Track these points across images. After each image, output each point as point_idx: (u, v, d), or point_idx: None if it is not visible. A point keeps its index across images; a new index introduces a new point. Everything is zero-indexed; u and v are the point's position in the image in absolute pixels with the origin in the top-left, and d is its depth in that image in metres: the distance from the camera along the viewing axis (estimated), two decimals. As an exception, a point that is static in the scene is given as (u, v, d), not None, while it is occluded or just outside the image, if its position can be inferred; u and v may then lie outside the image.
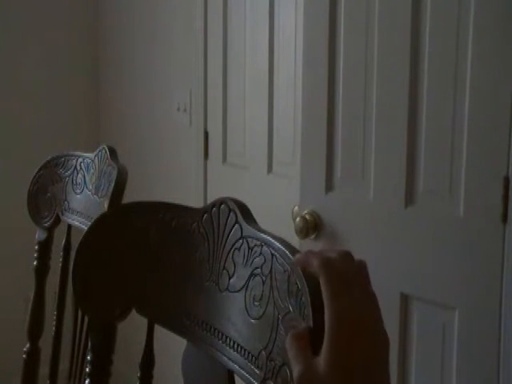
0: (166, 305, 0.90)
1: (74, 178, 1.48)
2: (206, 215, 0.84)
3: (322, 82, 1.79)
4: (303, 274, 0.67)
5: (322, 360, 0.60)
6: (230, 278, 0.79)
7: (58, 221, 1.51)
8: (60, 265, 1.52)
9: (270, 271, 0.73)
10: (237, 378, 0.80)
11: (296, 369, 0.62)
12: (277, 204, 2.18)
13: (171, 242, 0.89)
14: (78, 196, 1.47)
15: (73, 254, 1.00)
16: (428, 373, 1.66)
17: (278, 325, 0.70)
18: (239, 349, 0.76)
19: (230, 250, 0.80)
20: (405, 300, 1.68)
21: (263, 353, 0.72)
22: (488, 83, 1.49)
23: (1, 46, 2.90)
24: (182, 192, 2.63)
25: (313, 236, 1.82)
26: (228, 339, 0.79)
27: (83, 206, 1.44)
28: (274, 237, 0.75)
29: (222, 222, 0.82)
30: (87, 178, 1.45)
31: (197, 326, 0.84)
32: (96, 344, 0.99)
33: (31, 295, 1.54)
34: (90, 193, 1.43)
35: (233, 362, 0.78)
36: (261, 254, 0.75)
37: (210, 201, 0.85)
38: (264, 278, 0.74)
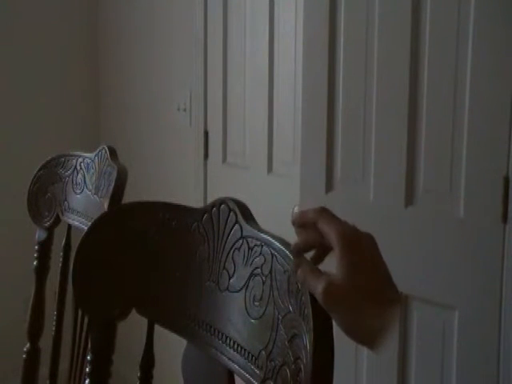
0: (166, 305, 0.90)
1: (74, 178, 1.48)
2: (206, 215, 0.84)
3: (322, 81, 1.79)
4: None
5: (337, 274, 0.66)
6: (230, 278, 0.79)
7: (57, 221, 1.51)
8: (60, 265, 1.52)
9: (270, 271, 0.73)
10: (237, 378, 0.80)
11: (319, 287, 0.66)
12: (277, 204, 2.17)
13: (171, 241, 0.89)
14: (77, 196, 1.47)
15: (73, 254, 1.00)
16: (428, 373, 1.66)
17: (277, 325, 0.70)
18: (239, 349, 0.76)
19: (230, 250, 0.80)
20: (405, 300, 1.68)
21: (263, 353, 0.72)
22: (488, 83, 1.49)
23: (1, 45, 2.90)
24: (182, 192, 2.63)
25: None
26: (228, 339, 0.79)
27: (83, 206, 1.44)
28: (273, 237, 0.75)
29: (222, 221, 0.82)
30: (87, 178, 1.45)
31: (197, 325, 0.84)
32: (96, 344, 0.99)
33: (31, 295, 1.54)
34: (90, 193, 1.43)
35: (233, 362, 0.78)
36: (261, 254, 0.75)
37: (210, 201, 0.85)
38: (264, 278, 0.74)
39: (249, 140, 2.38)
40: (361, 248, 0.68)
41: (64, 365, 1.52)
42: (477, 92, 1.50)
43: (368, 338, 0.68)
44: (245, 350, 0.75)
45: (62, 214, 1.49)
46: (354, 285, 0.66)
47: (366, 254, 0.68)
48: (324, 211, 0.70)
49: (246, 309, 0.76)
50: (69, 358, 1.50)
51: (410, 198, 1.65)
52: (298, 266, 0.70)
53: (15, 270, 2.78)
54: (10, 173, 2.87)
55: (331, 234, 0.68)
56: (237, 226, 0.80)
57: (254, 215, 0.81)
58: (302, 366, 0.66)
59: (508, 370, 1.49)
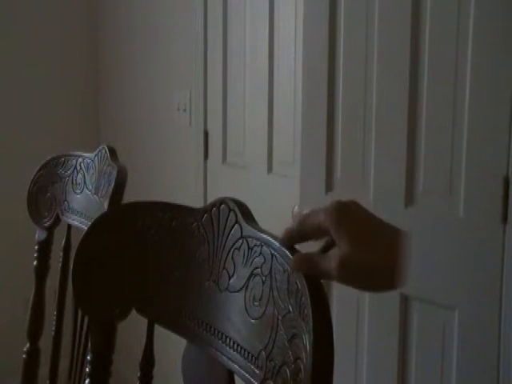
0: (166, 305, 0.90)
1: (74, 178, 1.48)
2: (206, 215, 0.84)
3: (322, 81, 1.79)
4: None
5: (341, 246, 0.68)
6: (229, 278, 0.79)
7: (58, 221, 1.51)
8: (60, 265, 1.52)
9: (270, 271, 0.73)
10: (237, 378, 0.80)
11: (332, 264, 0.68)
12: (277, 204, 2.17)
13: (171, 241, 0.89)
14: (77, 196, 1.47)
15: (73, 253, 1.00)
16: (428, 373, 1.66)
17: (277, 325, 0.70)
18: (239, 349, 0.77)
19: (229, 250, 0.80)
20: (405, 300, 1.68)
21: (263, 353, 0.72)
22: (488, 83, 1.49)
23: (1, 45, 2.90)
24: (182, 192, 2.63)
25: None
26: (228, 339, 0.79)
27: (83, 206, 1.44)
28: (273, 237, 0.75)
29: (222, 221, 0.82)
30: (87, 178, 1.45)
31: (197, 325, 0.84)
32: (96, 344, 0.99)
33: (31, 295, 1.54)
34: (89, 193, 1.43)
35: (233, 362, 0.78)
36: (261, 253, 0.75)
37: (210, 201, 0.85)
38: (264, 278, 0.74)
39: (249, 140, 2.38)
40: (351, 215, 0.70)
41: (64, 365, 1.52)
42: (477, 92, 1.50)
43: (392, 280, 0.72)
44: (245, 349, 0.75)
45: (62, 214, 1.49)
46: (360, 248, 0.68)
47: (359, 218, 0.71)
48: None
49: (246, 309, 0.76)
50: (69, 358, 1.50)
51: (410, 198, 1.65)
52: (299, 259, 0.70)
53: (15, 270, 2.78)
54: (10, 173, 2.88)
55: (320, 217, 0.70)
56: (237, 226, 0.80)
57: (254, 215, 0.81)
58: (301, 366, 0.66)
59: (508, 370, 1.49)
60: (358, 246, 0.69)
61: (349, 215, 0.70)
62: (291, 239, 0.73)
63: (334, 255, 0.69)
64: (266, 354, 0.71)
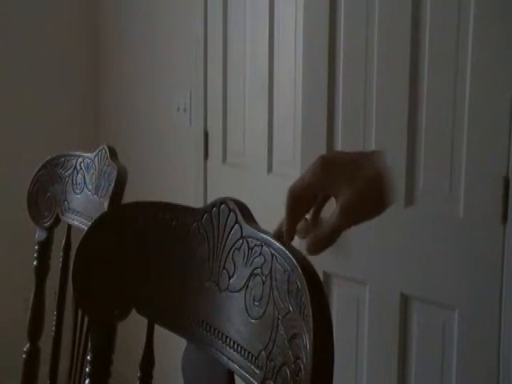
0: (166, 305, 0.90)
1: (74, 178, 1.48)
2: (206, 215, 0.84)
3: (322, 81, 1.79)
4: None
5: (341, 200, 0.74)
6: (230, 278, 0.79)
7: (57, 221, 1.51)
8: (60, 265, 1.52)
9: (270, 271, 0.73)
10: (237, 378, 0.80)
11: (334, 221, 0.73)
12: (277, 204, 2.17)
13: (171, 242, 0.89)
14: (77, 196, 1.47)
15: (73, 254, 1.00)
16: (428, 373, 1.66)
17: (277, 325, 0.70)
18: (239, 349, 0.77)
19: (229, 250, 0.80)
20: (405, 300, 1.68)
21: (263, 353, 0.72)
22: (488, 83, 1.49)
23: (1, 45, 2.90)
24: (182, 192, 2.63)
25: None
26: (228, 339, 0.79)
27: (83, 206, 1.44)
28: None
29: (222, 222, 0.82)
30: (87, 178, 1.45)
31: (197, 326, 0.84)
32: (96, 344, 0.99)
33: (31, 295, 1.54)
34: (89, 193, 1.43)
35: (233, 362, 0.78)
36: (261, 254, 0.75)
37: (210, 201, 0.85)
38: (264, 278, 0.74)
39: (249, 140, 2.38)
40: (334, 166, 0.75)
41: (64, 365, 1.52)
42: (477, 92, 1.50)
43: (384, 204, 0.76)
44: (245, 349, 0.75)
45: (62, 214, 1.49)
46: (353, 196, 0.73)
47: (340, 164, 0.75)
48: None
49: (246, 309, 0.76)
50: (69, 358, 1.50)
51: (409, 198, 1.65)
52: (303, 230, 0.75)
53: (15, 270, 2.78)
54: (10, 173, 2.88)
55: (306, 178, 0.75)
56: (237, 226, 0.80)
57: (254, 215, 0.81)
58: (301, 366, 0.66)
59: (508, 370, 1.49)
60: (352, 191, 0.73)
61: (332, 166, 0.75)
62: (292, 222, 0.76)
63: (335, 210, 0.73)
64: (266, 353, 0.71)
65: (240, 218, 0.80)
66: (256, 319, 0.74)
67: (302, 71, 1.88)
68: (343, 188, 0.73)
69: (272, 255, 0.74)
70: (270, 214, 1.86)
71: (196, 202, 2.49)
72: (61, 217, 1.49)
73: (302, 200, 0.76)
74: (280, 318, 0.70)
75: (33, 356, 1.55)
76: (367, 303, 1.76)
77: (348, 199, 0.73)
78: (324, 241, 0.75)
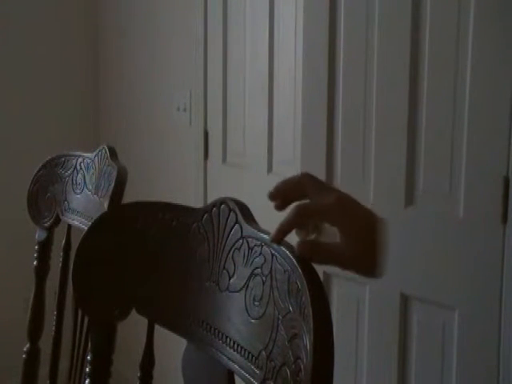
0: (166, 305, 0.90)
1: (74, 178, 1.48)
2: (206, 215, 0.84)
3: (322, 81, 1.79)
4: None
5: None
6: (230, 278, 0.79)
7: (57, 221, 1.50)
8: (60, 265, 1.52)
9: (270, 271, 0.73)
10: (237, 378, 0.80)
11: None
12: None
13: (171, 242, 0.89)
14: (77, 196, 1.47)
15: (73, 254, 1.00)
16: (428, 373, 1.66)
17: (277, 325, 0.70)
18: (239, 349, 0.76)
19: (230, 250, 0.80)
20: (405, 300, 1.68)
21: (263, 353, 0.72)
22: (488, 83, 1.49)
23: (1, 46, 2.90)
24: (182, 192, 2.63)
25: (313, 236, 1.82)
26: (228, 339, 0.79)
27: (83, 206, 1.44)
28: (274, 237, 0.75)
29: (222, 221, 0.82)
30: (87, 178, 1.45)
31: (197, 326, 0.84)
32: (96, 344, 0.99)
33: (31, 295, 1.54)
34: (89, 193, 1.43)
35: (233, 362, 0.78)
36: (261, 253, 0.75)
37: (210, 201, 0.85)
38: (264, 278, 0.74)
39: (249, 140, 2.38)
40: (348, 211, 0.76)
41: (64, 365, 1.52)
42: (477, 92, 1.50)
43: (374, 268, 0.76)
44: (245, 349, 0.75)
45: (62, 214, 1.49)
46: (355, 245, 0.74)
47: (353, 211, 0.77)
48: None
49: (246, 309, 0.76)
50: (69, 358, 1.50)
51: (409, 198, 1.65)
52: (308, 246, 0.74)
53: (15, 270, 2.78)
54: (10, 173, 2.88)
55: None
56: (237, 226, 0.80)
57: (254, 215, 0.81)
58: (302, 366, 0.66)
59: (508, 370, 1.49)
60: (355, 241, 0.74)
61: (347, 210, 0.77)
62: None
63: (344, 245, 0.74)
64: (267, 353, 0.71)
65: (240, 217, 0.80)
66: (256, 319, 0.74)
67: (302, 71, 1.88)
68: (347, 235, 0.74)
69: (272, 255, 0.74)
70: (270, 214, 1.85)
71: (196, 202, 2.49)
72: (61, 217, 1.49)
73: (305, 221, 0.77)
74: (280, 318, 0.70)
75: (33, 356, 1.55)
76: (367, 303, 1.76)
77: (350, 245, 0.74)
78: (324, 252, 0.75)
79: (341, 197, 0.78)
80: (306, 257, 0.72)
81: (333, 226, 0.75)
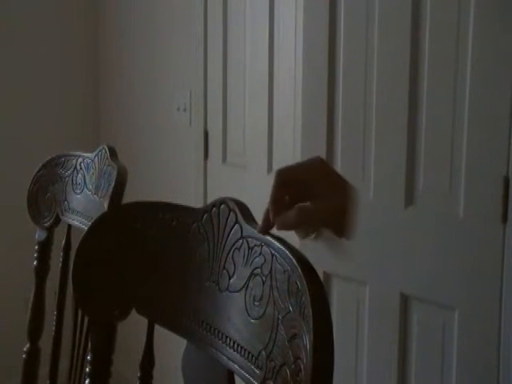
0: (166, 305, 0.90)
1: (74, 178, 1.48)
2: (205, 215, 0.84)
3: (322, 81, 1.79)
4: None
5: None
6: (230, 278, 0.79)
7: (58, 221, 1.50)
8: (60, 265, 1.52)
9: (270, 271, 0.73)
10: (237, 378, 0.80)
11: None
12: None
13: (171, 242, 0.89)
14: (77, 196, 1.47)
15: (73, 254, 0.99)
16: (428, 373, 1.66)
17: (277, 325, 0.70)
18: (239, 349, 0.76)
19: (230, 250, 0.80)
20: (405, 300, 1.68)
21: (263, 353, 0.72)
22: (488, 83, 1.49)
23: (1, 46, 2.90)
24: (182, 192, 2.63)
25: (313, 236, 1.82)
26: (228, 339, 0.79)
27: (83, 206, 1.44)
28: (274, 237, 0.75)
29: (222, 221, 0.82)
30: (87, 178, 1.45)
31: (197, 325, 0.84)
32: (96, 344, 0.99)
33: (31, 295, 1.54)
34: (89, 193, 1.43)
35: (233, 362, 0.78)
36: (261, 253, 0.75)
37: (210, 201, 0.85)
38: (264, 278, 0.74)
39: (249, 140, 2.38)
40: (327, 176, 0.81)
41: (64, 365, 1.52)
42: (477, 92, 1.50)
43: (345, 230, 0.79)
44: (245, 349, 0.75)
45: (62, 214, 1.49)
46: (330, 205, 0.77)
47: (332, 180, 0.81)
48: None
49: (246, 309, 0.76)
50: (69, 358, 1.50)
51: (409, 198, 1.65)
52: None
53: (15, 269, 2.78)
54: (10, 173, 2.88)
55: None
56: (237, 226, 0.80)
57: (254, 215, 0.81)
58: (302, 366, 0.66)
59: (508, 370, 1.49)
60: (330, 202, 0.78)
61: (326, 172, 0.81)
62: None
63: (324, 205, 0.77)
64: (266, 353, 0.71)
65: (240, 217, 0.80)
66: (256, 319, 0.74)
67: (302, 71, 1.88)
68: (324, 196, 0.77)
69: (272, 255, 0.74)
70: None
71: (196, 202, 2.49)
72: (61, 217, 1.49)
73: (287, 184, 0.79)
74: (280, 318, 0.70)
75: (33, 356, 1.55)
76: (367, 303, 1.76)
77: (324, 204, 0.77)
78: (292, 219, 0.76)
79: (321, 160, 0.82)
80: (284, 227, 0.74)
81: (312, 185, 0.78)
